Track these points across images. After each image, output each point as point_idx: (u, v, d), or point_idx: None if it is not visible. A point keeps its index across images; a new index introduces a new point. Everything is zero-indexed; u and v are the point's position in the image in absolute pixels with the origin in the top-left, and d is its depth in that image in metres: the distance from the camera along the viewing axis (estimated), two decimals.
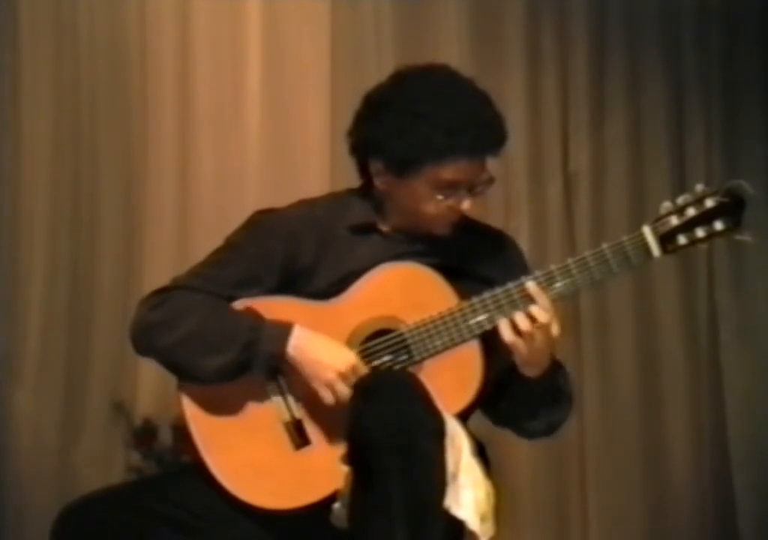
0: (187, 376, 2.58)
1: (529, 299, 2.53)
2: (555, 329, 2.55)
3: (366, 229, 2.66)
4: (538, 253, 4.28)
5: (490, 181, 2.62)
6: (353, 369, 2.51)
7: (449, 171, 2.56)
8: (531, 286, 2.53)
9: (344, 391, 2.50)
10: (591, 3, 4.47)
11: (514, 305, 2.54)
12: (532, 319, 2.52)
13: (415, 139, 2.55)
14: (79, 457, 4.11)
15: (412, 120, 2.56)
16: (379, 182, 2.63)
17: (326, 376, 2.51)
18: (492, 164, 2.63)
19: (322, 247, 2.63)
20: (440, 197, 2.58)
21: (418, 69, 2.66)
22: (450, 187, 2.58)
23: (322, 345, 2.53)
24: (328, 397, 2.52)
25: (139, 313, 2.61)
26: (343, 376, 2.51)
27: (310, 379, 2.53)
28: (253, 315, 2.56)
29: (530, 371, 2.57)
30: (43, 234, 4.13)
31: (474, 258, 2.67)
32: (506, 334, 2.53)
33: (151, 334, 2.58)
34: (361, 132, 2.65)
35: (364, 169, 2.67)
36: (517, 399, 2.62)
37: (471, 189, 2.59)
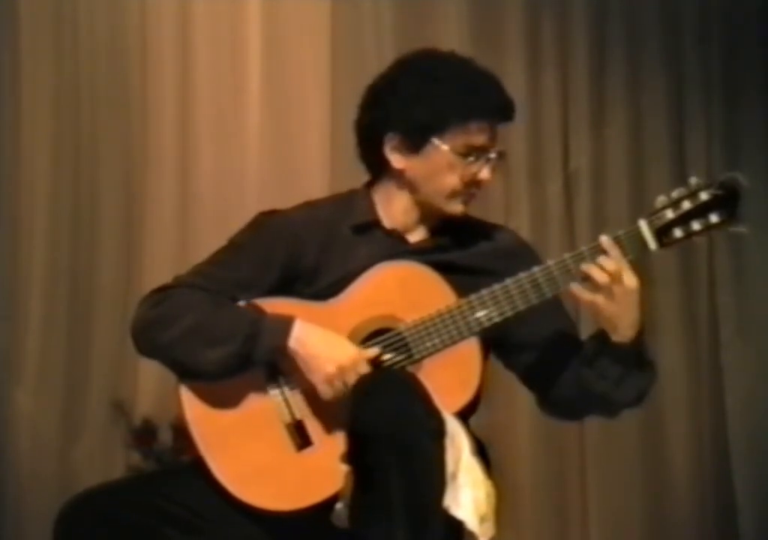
0: (189, 371, 2.57)
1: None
2: (630, 280, 2.49)
3: (367, 228, 2.65)
4: (539, 252, 4.27)
5: (504, 154, 2.62)
6: (354, 363, 2.50)
7: (472, 132, 2.56)
8: (606, 242, 2.49)
9: (342, 387, 2.50)
10: (591, 2, 4.48)
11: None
12: (602, 269, 2.48)
13: (437, 102, 2.55)
14: (79, 457, 4.11)
15: (432, 84, 2.56)
16: (395, 161, 2.61)
17: (326, 369, 2.50)
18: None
19: (325, 249, 2.63)
20: (466, 161, 2.57)
21: (421, 50, 2.68)
22: (472, 152, 2.57)
23: (324, 338, 2.53)
24: (326, 391, 2.51)
25: (139, 311, 2.61)
26: (343, 370, 2.49)
27: (309, 373, 2.52)
28: (254, 309, 2.56)
29: (620, 335, 2.52)
30: (43, 234, 4.14)
31: (475, 253, 2.66)
32: (583, 294, 2.49)
33: (151, 331, 2.58)
34: (373, 111, 2.63)
35: (375, 157, 2.64)
36: (606, 370, 2.55)
37: (488, 159, 2.59)
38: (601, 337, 2.55)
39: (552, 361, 2.64)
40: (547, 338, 2.65)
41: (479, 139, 2.58)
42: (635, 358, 2.57)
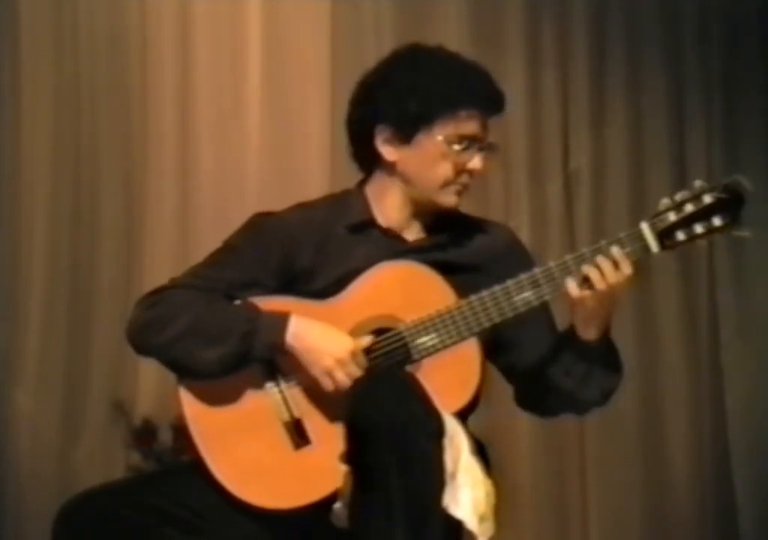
0: (187, 371, 2.58)
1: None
2: (621, 288, 2.51)
3: (364, 227, 2.66)
4: (539, 252, 4.27)
5: (495, 146, 2.63)
6: (352, 355, 2.51)
7: (462, 120, 2.58)
8: (619, 255, 2.49)
9: (343, 378, 2.50)
10: (591, 2, 4.48)
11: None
12: (602, 275, 2.50)
13: (429, 93, 2.57)
14: (79, 457, 4.11)
15: (422, 76, 2.58)
16: (387, 154, 2.62)
17: (325, 362, 2.51)
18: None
19: (321, 250, 2.64)
20: (456, 148, 2.58)
21: (409, 44, 2.68)
22: (463, 141, 2.58)
23: (321, 332, 2.53)
24: (328, 384, 2.52)
25: (135, 313, 2.62)
26: (341, 363, 2.50)
27: (309, 367, 2.53)
28: (249, 307, 2.57)
29: (590, 332, 2.55)
30: (43, 234, 4.14)
31: (472, 251, 2.67)
32: (574, 290, 2.50)
33: (147, 333, 2.59)
34: (364, 106, 2.65)
35: (366, 152, 2.65)
36: (572, 367, 2.59)
37: (480, 148, 2.60)
38: (569, 333, 2.57)
39: (532, 361, 2.65)
40: (529, 337, 2.66)
41: (469, 126, 2.59)
42: (600, 357, 2.58)
